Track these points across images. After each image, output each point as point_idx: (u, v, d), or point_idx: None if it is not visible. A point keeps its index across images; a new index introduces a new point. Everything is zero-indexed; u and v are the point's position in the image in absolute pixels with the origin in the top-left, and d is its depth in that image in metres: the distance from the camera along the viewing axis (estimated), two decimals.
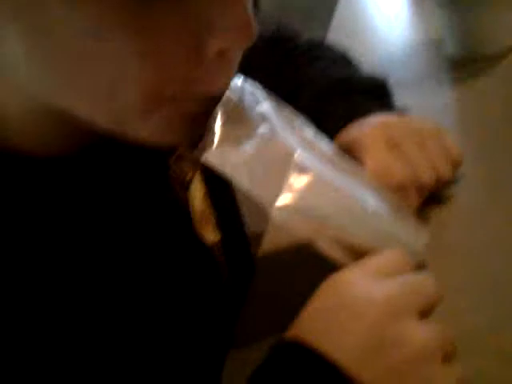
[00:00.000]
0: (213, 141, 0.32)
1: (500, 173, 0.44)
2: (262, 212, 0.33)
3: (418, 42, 0.70)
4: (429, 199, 0.43)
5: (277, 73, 0.59)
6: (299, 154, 0.34)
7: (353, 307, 0.27)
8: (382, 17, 0.84)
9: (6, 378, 0.29)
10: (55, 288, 0.32)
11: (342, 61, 0.57)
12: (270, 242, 0.48)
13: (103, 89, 0.28)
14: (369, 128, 0.44)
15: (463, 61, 0.61)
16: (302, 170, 0.34)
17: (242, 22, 0.28)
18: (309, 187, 0.33)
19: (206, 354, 0.41)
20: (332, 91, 0.50)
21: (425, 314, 0.28)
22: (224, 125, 0.33)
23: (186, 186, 0.46)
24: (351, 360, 0.25)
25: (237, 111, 0.35)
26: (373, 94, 0.50)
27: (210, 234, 0.47)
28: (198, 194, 0.47)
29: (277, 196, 0.32)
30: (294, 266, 0.34)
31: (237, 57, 0.32)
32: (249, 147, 0.33)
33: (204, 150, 0.32)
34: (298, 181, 0.33)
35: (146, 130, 0.31)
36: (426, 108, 0.56)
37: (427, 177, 0.41)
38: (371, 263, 0.30)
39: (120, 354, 0.35)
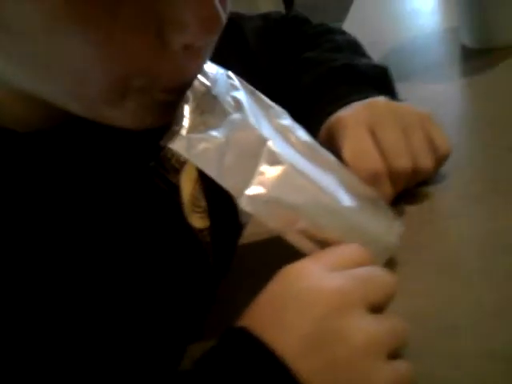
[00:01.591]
0: (180, 127, 0.32)
1: (493, 173, 0.42)
2: None
3: (438, 30, 0.68)
4: (407, 193, 0.42)
5: (283, 52, 0.59)
6: (272, 143, 0.33)
7: (300, 298, 0.27)
8: (404, 3, 0.83)
9: None
10: (21, 274, 0.32)
11: (350, 47, 0.56)
12: (250, 231, 0.48)
13: (70, 80, 0.28)
14: (354, 109, 0.43)
15: (476, 51, 0.60)
16: (275, 159, 0.33)
17: (205, 18, 0.27)
18: (281, 178, 0.32)
19: (179, 331, 0.41)
20: (333, 76, 0.49)
21: (377, 308, 0.28)
22: (193, 111, 0.33)
23: (178, 168, 0.46)
24: (292, 352, 0.25)
25: (208, 98, 0.34)
26: (373, 81, 0.48)
27: (199, 220, 0.47)
28: (189, 178, 0.47)
29: (247, 185, 0.32)
30: (271, 256, 0.33)
31: (205, 47, 0.31)
32: (219, 134, 0.32)
33: (172, 136, 0.32)
34: (270, 171, 0.32)
35: (119, 117, 0.31)
36: (436, 95, 0.55)
37: (402, 165, 0.39)
38: (327, 256, 0.30)
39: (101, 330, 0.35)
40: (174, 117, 0.33)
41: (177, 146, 0.32)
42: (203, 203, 0.49)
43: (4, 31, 0.26)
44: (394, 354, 0.27)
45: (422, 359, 0.29)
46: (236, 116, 0.34)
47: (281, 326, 0.26)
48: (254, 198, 0.32)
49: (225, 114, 0.34)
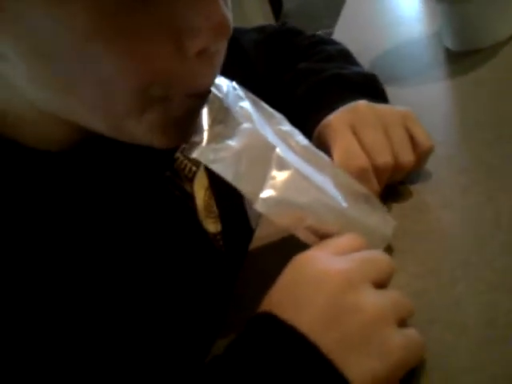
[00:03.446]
0: (202, 138, 0.36)
1: (476, 166, 0.45)
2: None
3: (422, 36, 0.72)
4: (401, 188, 0.45)
5: (279, 63, 0.62)
6: (279, 150, 0.37)
7: (312, 280, 0.30)
8: (390, 11, 0.87)
9: (4, 377, 0.31)
10: (55, 282, 0.34)
11: (341, 57, 0.60)
12: (261, 230, 0.52)
13: (95, 94, 0.31)
14: (339, 113, 0.46)
15: (459, 53, 0.63)
16: (283, 165, 0.37)
17: (216, 22, 0.30)
18: (289, 181, 0.36)
19: (200, 331, 0.43)
20: (323, 85, 0.53)
21: (380, 285, 0.31)
22: (211, 123, 0.36)
23: (190, 177, 0.49)
24: (312, 328, 0.28)
25: (223, 109, 0.38)
26: (362, 88, 0.52)
27: (212, 225, 0.50)
28: (202, 185, 0.50)
29: (261, 188, 0.36)
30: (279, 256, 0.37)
31: (218, 54, 0.34)
32: (234, 143, 0.36)
33: (193, 146, 0.36)
34: (280, 175, 0.36)
35: (140, 132, 0.34)
36: (423, 97, 0.59)
37: (383, 161, 0.42)
38: (331, 244, 0.34)
39: (124, 337, 0.38)
40: (195, 128, 0.36)
41: (199, 155, 0.35)
42: (215, 209, 0.52)
43: (33, 56, 0.29)
44: (403, 324, 0.30)
45: (430, 329, 0.33)
46: (246, 125, 0.37)
47: (298, 307, 0.30)
48: (268, 200, 0.35)
49: (237, 124, 0.37)
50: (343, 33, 0.86)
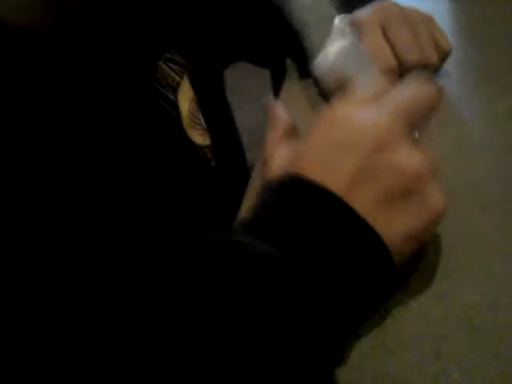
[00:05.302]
0: None
1: (485, 62, 0.46)
2: None
3: None
4: None
5: None
6: (341, 18, 0.40)
7: (343, 144, 0.28)
8: None
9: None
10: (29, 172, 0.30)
11: None
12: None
13: None
14: (366, 10, 0.46)
15: None
16: (343, 33, 0.39)
17: None
18: (346, 51, 0.38)
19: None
20: None
21: (418, 124, 0.29)
22: None
23: (174, 87, 0.46)
24: (344, 188, 0.26)
25: None
26: None
27: (199, 137, 0.48)
28: (186, 97, 0.47)
29: (321, 46, 0.38)
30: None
31: None
32: None
33: None
34: (340, 41, 0.39)
35: None
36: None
37: (412, 59, 0.43)
38: (357, 94, 0.30)
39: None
40: None
41: None
42: (202, 122, 0.49)
43: None
44: None
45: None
46: None
47: (328, 168, 0.27)
48: (322, 65, 0.38)
49: None
50: None
